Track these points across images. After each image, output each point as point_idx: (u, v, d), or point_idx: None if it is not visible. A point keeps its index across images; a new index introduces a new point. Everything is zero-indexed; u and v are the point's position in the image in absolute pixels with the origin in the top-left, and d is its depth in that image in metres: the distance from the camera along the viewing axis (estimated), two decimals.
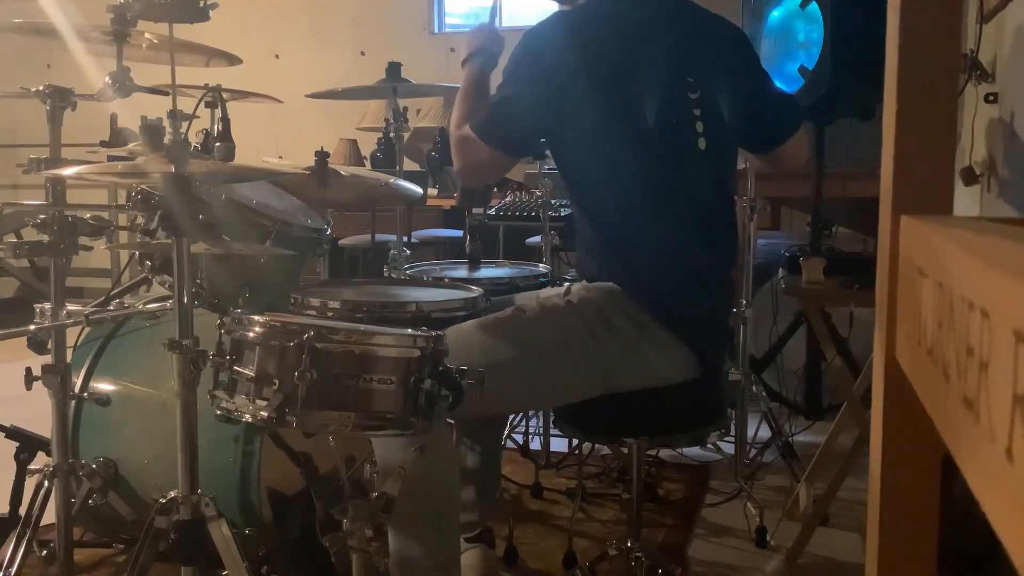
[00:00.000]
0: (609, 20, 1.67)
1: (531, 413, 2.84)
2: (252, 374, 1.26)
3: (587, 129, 1.62)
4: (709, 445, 2.65)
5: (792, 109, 1.94)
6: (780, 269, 2.80)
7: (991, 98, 2.22)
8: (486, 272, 2.32)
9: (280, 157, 4.86)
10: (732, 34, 1.80)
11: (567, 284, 1.81)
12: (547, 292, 1.92)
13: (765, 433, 2.79)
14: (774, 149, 1.85)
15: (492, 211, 3.47)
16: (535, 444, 2.88)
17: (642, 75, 1.63)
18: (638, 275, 1.63)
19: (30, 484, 1.86)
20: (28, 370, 1.74)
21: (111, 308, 1.87)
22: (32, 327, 1.74)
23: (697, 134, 1.65)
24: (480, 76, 1.78)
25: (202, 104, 1.63)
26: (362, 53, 5.71)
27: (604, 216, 1.67)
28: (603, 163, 1.64)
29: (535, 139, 1.75)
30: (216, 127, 1.56)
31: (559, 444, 2.82)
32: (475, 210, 3.35)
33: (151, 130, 1.42)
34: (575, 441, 2.72)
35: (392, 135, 2.56)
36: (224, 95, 1.64)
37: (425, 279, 2.13)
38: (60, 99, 1.73)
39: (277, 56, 5.90)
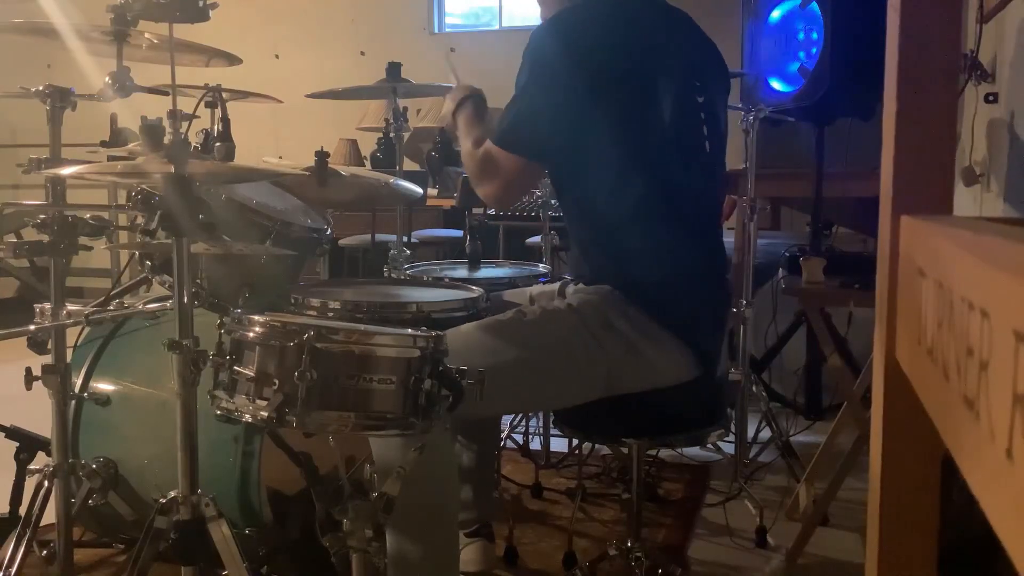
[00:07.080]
0: (618, 20, 1.66)
1: (531, 413, 2.84)
2: (252, 374, 1.26)
3: (602, 129, 1.59)
4: (709, 445, 2.64)
5: None
6: (780, 269, 2.80)
7: (991, 98, 2.22)
8: (486, 272, 2.32)
9: (280, 157, 4.86)
10: (718, 52, 1.81)
11: (560, 282, 1.81)
12: (538, 289, 1.92)
13: (765, 433, 2.79)
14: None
15: (492, 211, 3.47)
16: (535, 444, 2.88)
17: (656, 75, 1.62)
18: (638, 276, 1.63)
19: (30, 484, 1.85)
20: (28, 370, 1.73)
21: (111, 308, 1.87)
22: (32, 327, 1.74)
23: (704, 136, 1.66)
24: (477, 111, 1.80)
25: (202, 104, 1.63)
26: (362, 53, 5.71)
27: (606, 218, 1.65)
28: (615, 164, 1.61)
29: (555, 142, 1.63)
30: (216, 127, 1.56)
31: (559, 444, 2.82)
32: (475, 210, 3.36)
33: (151, 130, 1.42)
34: (575, 441, 2.72)
35: (392, 135, 2.57)
36: (224, 95, 1.63)
37: (425, 279, 2.13)
38: (60, 99, 1.73)
39: (277, 56, 5.90)
